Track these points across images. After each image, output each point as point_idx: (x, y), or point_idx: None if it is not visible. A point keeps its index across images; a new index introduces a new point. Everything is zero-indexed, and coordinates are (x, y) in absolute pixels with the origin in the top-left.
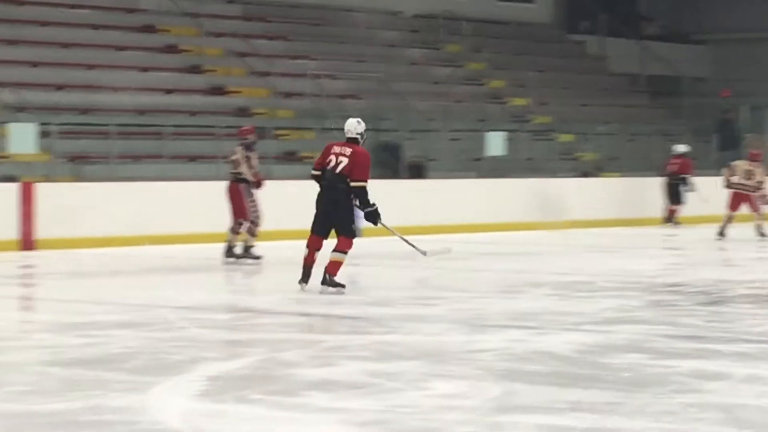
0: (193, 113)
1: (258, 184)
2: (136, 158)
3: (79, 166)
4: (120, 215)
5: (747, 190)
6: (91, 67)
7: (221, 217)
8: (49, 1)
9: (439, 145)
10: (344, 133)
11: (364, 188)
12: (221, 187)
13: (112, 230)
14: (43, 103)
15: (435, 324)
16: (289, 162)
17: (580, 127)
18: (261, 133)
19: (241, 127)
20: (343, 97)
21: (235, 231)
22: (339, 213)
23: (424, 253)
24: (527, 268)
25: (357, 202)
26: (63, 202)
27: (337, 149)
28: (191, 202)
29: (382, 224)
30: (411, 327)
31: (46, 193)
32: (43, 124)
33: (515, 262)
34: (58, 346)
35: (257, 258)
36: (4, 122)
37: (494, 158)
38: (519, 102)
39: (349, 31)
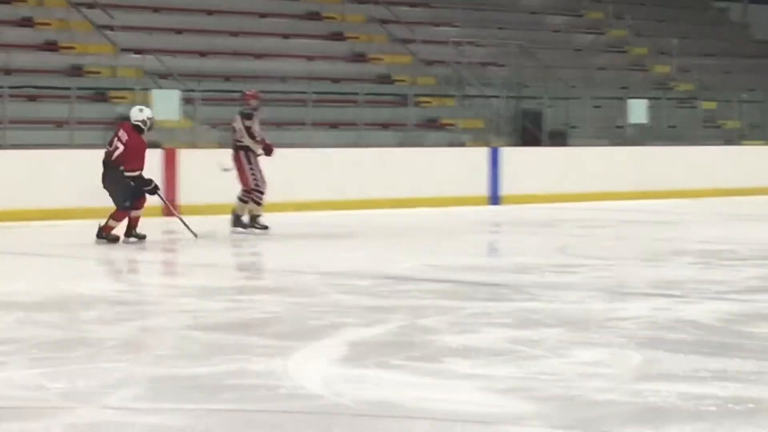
0: (335, 80)
1: (268, 151)
2: (279, 125)
3: (221, 133)
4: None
5: None
6: (233, 34)
7: (362, 184)
8: None
9: (581, 113)
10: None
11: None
12: (362, 153)
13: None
14: (186, 70)
15: (576, 291)
16: (430, 129)
17: (723, 95)
18: (399, 99)
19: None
20: (484, 64)
21: (243, 200)
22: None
23: (195, 236)
24: (670, 237)
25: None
26: (205, 168)
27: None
28: (331, 169)
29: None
30: (552, 294)
31: (188, 159)
32: (186, 90)
33: (658, 230)
34: (201, 311)
35: (264, 228)
36: (147, 89)
37: (636, 126)
38: (661, 69)
39: None
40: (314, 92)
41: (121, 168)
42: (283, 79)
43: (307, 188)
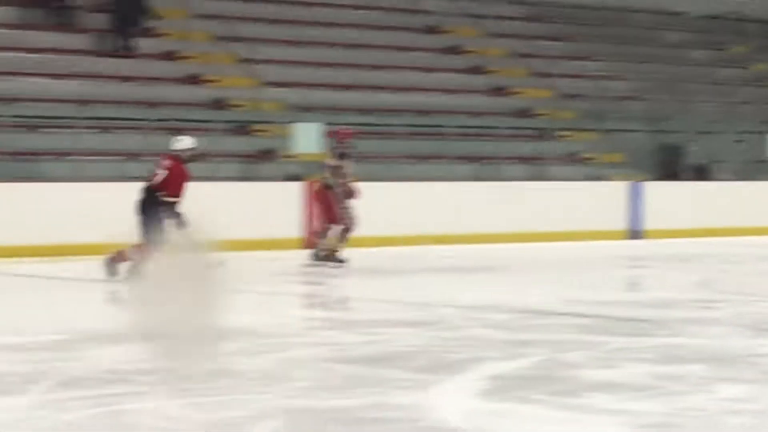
0: (474, 114)
1: (351, 194)
2: (419, 158)
3: (361, 166)
4: (402, 214)
5: None
6: (374, 67)
7: (500, 217)
8: (335, 3)
9: (722, 147)
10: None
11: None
12: (501, 187)
13: (393, 229)
14: (327, 103)
15: (719, 327)
16: (569, 163)
17: None
18: (539, 133)
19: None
20: (624, 98)
21: (321, 236)
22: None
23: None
24: None
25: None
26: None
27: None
28: (470, 202)
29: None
30: (695, 330)
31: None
32: (327, 123)
33: None
34: (342, 343)
35: (341, 262)
36: (289, 122)
37: None
38: None
39: (631, 32)
40: (454, 126)
41: (161, 194)
42: (424, 112)
43: (445, 222)
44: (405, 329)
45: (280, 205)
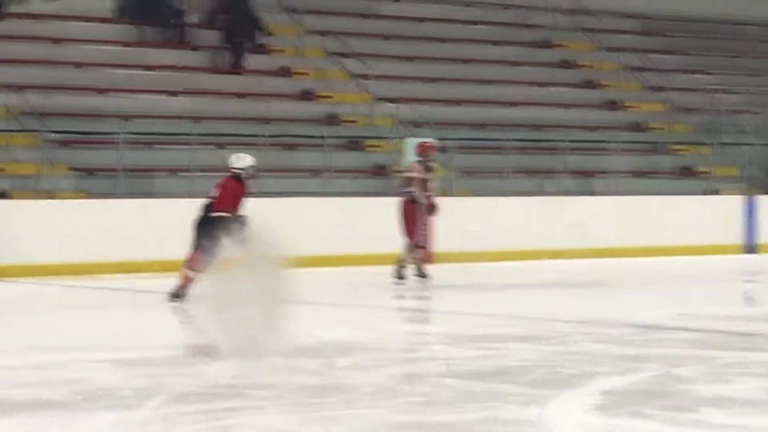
0: (587, 128)
1: (432, 210)
2: (531, 173)
3: (473, 181)
4: (517, 229)
5: None
6: (487, 82)
7: (613, 231)
8: (447, 18)
9: None
10: None
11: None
12: (614, 201)
13: (509, 244)
14: (439, 118)
15: None
16: (684, 177)
17: None
18: (652, 147)
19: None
20: (739, 111)
21: (409, 252)
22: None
23: None
24: None
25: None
26: (460, 217)
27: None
28: (584, 216)
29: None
30: None
31: (443, 207)
32: (440, 139)
33: None
34: (455, 358)
35: (424, 277)
36: (401, 137)
37: None
38: None
39: (745, 45)
40: (567, 140)
41: (218, 211)
42: (537, 127)
43: (557, 236)
44: (517, 344)
45: (392, 219)
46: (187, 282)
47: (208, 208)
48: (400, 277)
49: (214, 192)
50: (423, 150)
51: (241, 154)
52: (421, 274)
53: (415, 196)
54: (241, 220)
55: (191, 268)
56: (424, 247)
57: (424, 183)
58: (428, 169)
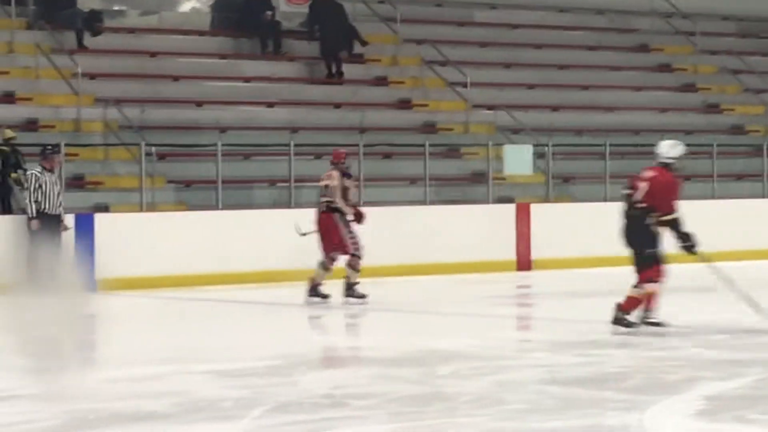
0: (687, 132)
1: (359, 218)
2: (628, 178)
3: (572, 187)
4: (617, 235)
5: None
6: (585, 87)
7: (716, 235)
8: (543, 24)
9: None
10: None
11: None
12: (717, 205)
13: (609, 250)
14: (537, 125)
15: None
16: None
17: None
18: (756, 149)
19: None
20: None
21: (326, 267)
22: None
23: None
24: None
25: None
26: (557, 223)
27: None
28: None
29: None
30: None
31: (540, 213)
32: (537, 145)
33: None
34: (556, 365)
35: (362, 297)
36: (499, 144)
37: None
38: None
39: None
40: None
41: (646, 210)
42: (636, 132)
43: None
44: (618, 350)
45: (492, 227)
46: (635, 304)
47: (633, 208)
48: (318, 295)
49: (642, 188)
50: (337, 157)
51: (672, 141)
52: (354, 293)
53: (337, 206)
54: (676, 221)
55: (653, 281)
56: (359, 257)
57: (344, 191)
58: (346, 176)
